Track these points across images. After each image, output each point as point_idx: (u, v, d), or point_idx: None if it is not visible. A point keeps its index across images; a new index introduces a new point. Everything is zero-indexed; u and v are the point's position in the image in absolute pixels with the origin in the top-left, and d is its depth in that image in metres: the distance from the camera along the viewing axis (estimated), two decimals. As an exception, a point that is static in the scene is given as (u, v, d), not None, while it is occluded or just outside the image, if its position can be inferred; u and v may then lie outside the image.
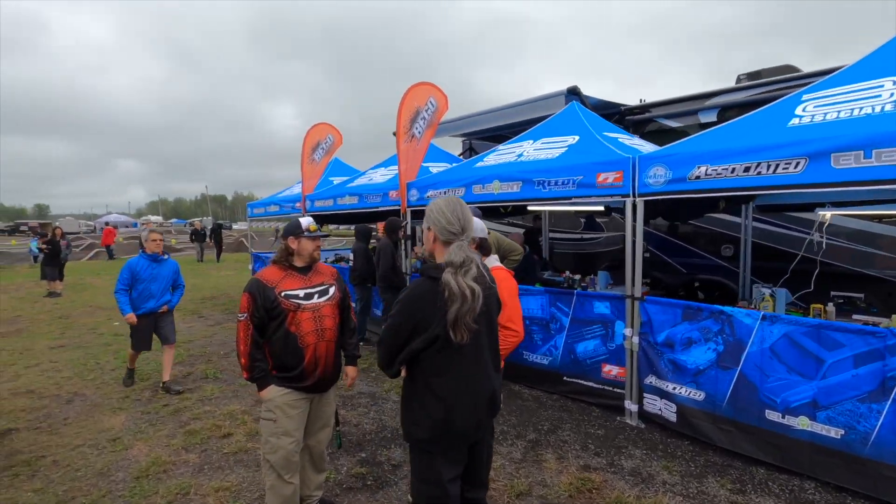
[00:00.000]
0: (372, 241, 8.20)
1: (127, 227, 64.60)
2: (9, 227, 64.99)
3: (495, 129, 9.47)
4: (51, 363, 6.03)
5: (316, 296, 2.69)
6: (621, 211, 7.84)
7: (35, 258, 21.97)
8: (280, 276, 2.66)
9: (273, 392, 2.58)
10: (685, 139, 4.03)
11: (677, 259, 7.41)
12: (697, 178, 3.56)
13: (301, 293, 2.65)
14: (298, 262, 2.73)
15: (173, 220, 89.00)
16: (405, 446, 3.70)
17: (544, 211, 8.78)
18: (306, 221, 2.72)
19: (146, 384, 5.23)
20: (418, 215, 6.64)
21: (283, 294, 2.59)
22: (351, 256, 7.00)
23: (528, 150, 5.34)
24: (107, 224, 42.78)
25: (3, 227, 66.93)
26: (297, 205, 8.70)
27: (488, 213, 9.54)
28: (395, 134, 10.41)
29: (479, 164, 5.65)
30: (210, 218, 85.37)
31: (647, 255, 7.52)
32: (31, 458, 3.61)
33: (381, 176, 7.48)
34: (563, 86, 9.92)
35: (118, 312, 9.63)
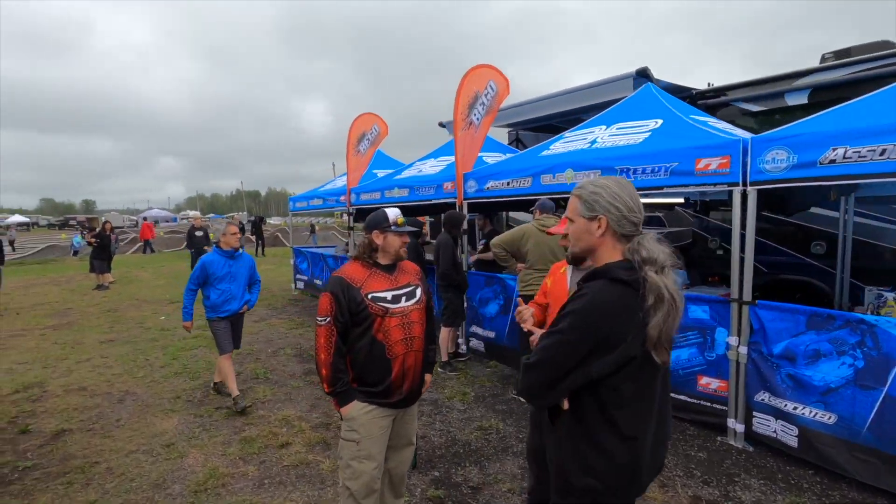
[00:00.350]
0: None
1: (167, 221, 66.67)
2: (59, 221, 68.49)
3: (546, 119, 8.95)
4: (101, 358, 5.93)
5: (403, 298, 2.32)
6: (692, 205, 7.39)
7: (76, 252, 22.67)
8: (364, 274, 2.29)
9: (356, 409, 2.22)
10: (806, 119, 3.47)
11: (756, 257, 6.75)
12: (832, 161, 3.01)
13: (388, 295, 2.28)
14: (383, 260, 2.36)
15: (211, 215, 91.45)
16: (482, 465, 3.31)
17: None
18: (393, 213, 2.35)
19: (196, 384, 5.02)
20: (475, 209, 6.24)
21: (369, 296, 2.22)
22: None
23: (602, 136, 4.85)
24: (145, 219, 44.07)
25: (54, 221, 70.60)
26: (342, 198, 8.44)
27: (520, 206, 9.14)
28: (442, 125, 10.10)
29: (546, 152, 5.19)
30: (245, 213, 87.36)
31: (720, 252, 6.91)
32: (84, 465, 3.40)
33: (431, 167, 7.10)
34: (596, 77, 9.22)
35: (163, 306, 9.75)
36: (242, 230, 19.68)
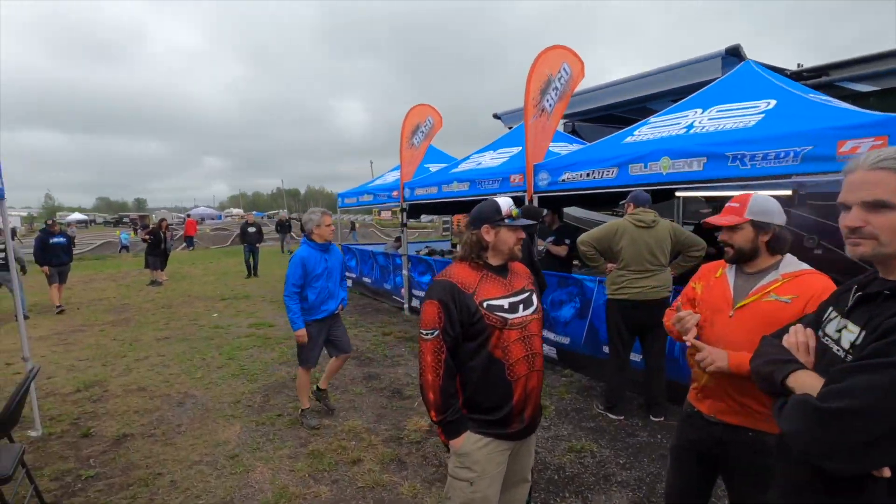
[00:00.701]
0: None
1: (212, 219, 69.03)
2: (114, 218, 72.38)
3: (608, 108, 8.37)
4: (158, 357, 5.82)
5: (521, 307, 1.91)
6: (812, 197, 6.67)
7: (123, 248, 23.44)
8: (475, 278, 1.90)
9: (470, 442, 1.83)
10: None
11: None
12: None
13: (504, 303, 1.88)
14: (494, 260, 1.96)
15: (254, 213, 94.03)
16: (584, 496, 2.87)
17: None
18: (506, 204, 1.94)
19: (254, 387, 4.78)
20: (545, 203, 5.76)
21: (484, 304, 1.83)
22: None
23: (699, 119, 4.29)
24: (188, 216, 45.42)
25: (109, 219, 74.62)
26: (394, 193, 8.13)
27: (588, 201, 8.38)
28: (497, 116, 9.66)
29: (631, 139, 4.67)
30: (285, 210, 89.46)
31: (819, 251, 6.17)
32: (148, 476, 3.17)
33: (491, 160, 6.67)
34: (640, 69, 8.44)
35: (215, 303, 9.74)
36: (289, 227, 19.43)
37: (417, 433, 3.72)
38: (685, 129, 4.24)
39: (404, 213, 7.95)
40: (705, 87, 4.89)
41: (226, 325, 7.45)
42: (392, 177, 9.30)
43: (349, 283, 10.52)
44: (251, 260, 12.79)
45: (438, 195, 6.94)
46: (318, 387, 4.18)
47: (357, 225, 31.13)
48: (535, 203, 5.34)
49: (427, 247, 10.45)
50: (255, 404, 4.36)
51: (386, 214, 56.19)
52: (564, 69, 5.45)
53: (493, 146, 7.19)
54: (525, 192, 5.39)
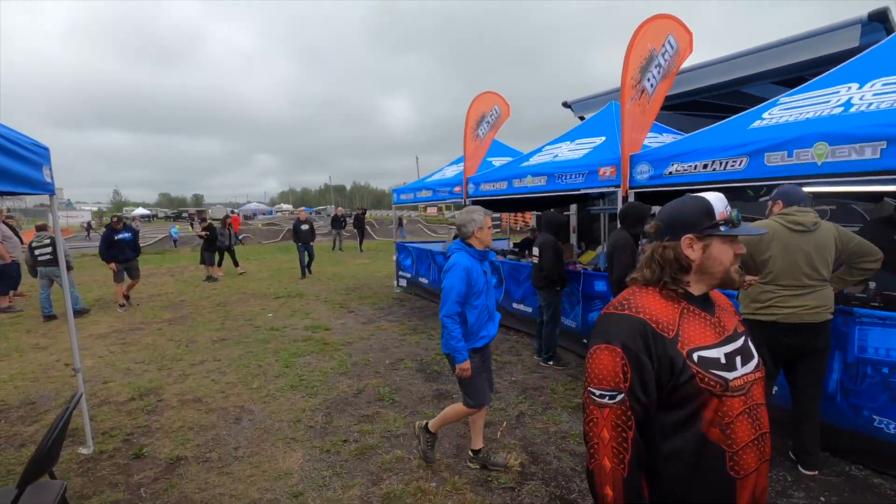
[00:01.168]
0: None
1: (263, 214, 71.33)
2: (173, 213, 76.46)
3: (690, 94, 7.42)
4: (214, 361, 5.52)
5: (739, 360, 1.25)
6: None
7: (175, 242, 24.05)
8: (674, 314, 1.25)
9: (672, 573, 1.20)
10: None
11: None
12: None
13: (720, 355, 1.23)
14: (697, 288, 1.31)
15: (303, 208, 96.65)
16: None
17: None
18: (720, 204, 1.28)
19: (315, 402, 4.33)
20: (644, 198, 4.98)
21: (695, 357, 1.19)
22: (535, 252, 5.61)
23: (859, 96, 3.43)
24: (233, 212, 46.46)
25: (170, 213, 78.87)
26: (457, 189, 7.55)
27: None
28: (567, 105, 8.89)
29: (759, 123, 3.85)
30: (331, 206, 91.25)
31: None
32: (202, 516, 2.74)
33: (570, 151, 5.95)
34: (705, 57, 7.17)
35: (269, 301, 9.55)
36: (343, 223, 19.13)
37: (509, 476, 3.12)
38: (843, 108, 3.39)
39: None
40: (853, 59, 3.98)
41: (281, 326, 7.13)
42: (452, 171, 8.74)
43: (404, 282, 10.06)
44: (306, 259, 12.24)
45: (508, 191, 6.30)
46: (473, 451, 3.27)
47: (405, 220, 30.87)
48: (631, 199, 4.60)
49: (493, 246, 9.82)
50: (317, 425, 3.89)
51: (432, 210, 55.97)
52: (669, 42, 4.65)
53: (569, 136, 6.46)
54: (618, 186, 4.66)
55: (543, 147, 6.72)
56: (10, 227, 9.08)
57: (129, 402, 4.41)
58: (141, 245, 15.05)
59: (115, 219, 9.01)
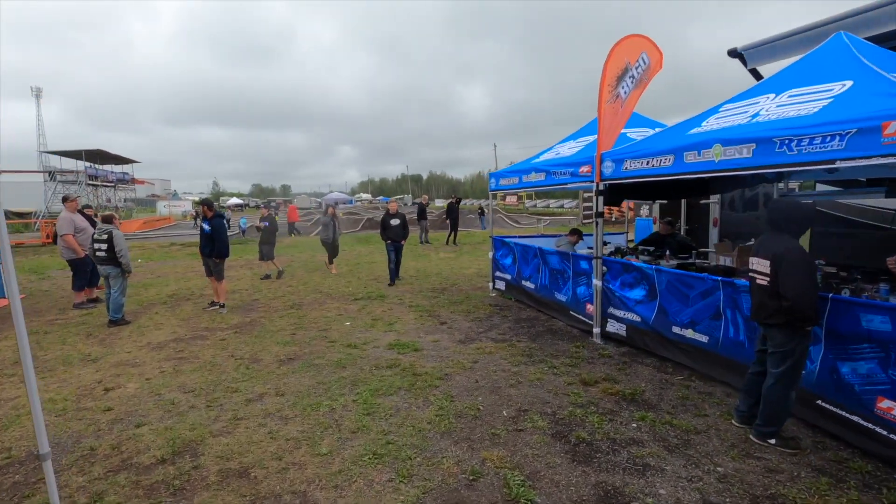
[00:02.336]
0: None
1: (344, 203, 73.17)
2: (263, 203, 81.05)
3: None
4: (276, 396, 4.21)
5: None
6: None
7: (243, 232, 23.07)
8: None
9: None
10: None
11: None
12: None
13: None
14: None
15: (380, 198, 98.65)
16: None
17: None
18: None
19: (410, 495, 2.80)
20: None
21: None
22: (760, 267, 3.61)
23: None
24: (291, 202, 46.51)
25: (260, 203, 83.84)
26: (583, 170, 5.68)
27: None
28: (731, 54, 6.62)
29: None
30: (409, 196, 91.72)
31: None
32: None
33: (775, 106, 3.86)
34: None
35: (347, 304, 8.29)
36: (424, 214, 17.17)
37: None
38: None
39: (600, 199, 5.47)
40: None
41: (361, 342, 5.77)
42: (569, 149, 6.86)
43: (502, 285, 8.38)
44: (395, 261, 9.64)
45: (674, 169, 4.32)
46: None
47: (485, 210, 29.12)
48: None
49: (612, 244, 7.83)
50: (415, 553, 2.34)
51: (511, 199, 53.41)
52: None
53: (752, 93, 4.34)
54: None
55: (721, 106, 4.65)
56: (88, 216, 8.60)
57: (156, 465, 3.15)
58: (233, 234, 14.38)
59: (203, 206, 7.87)
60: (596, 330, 5.66)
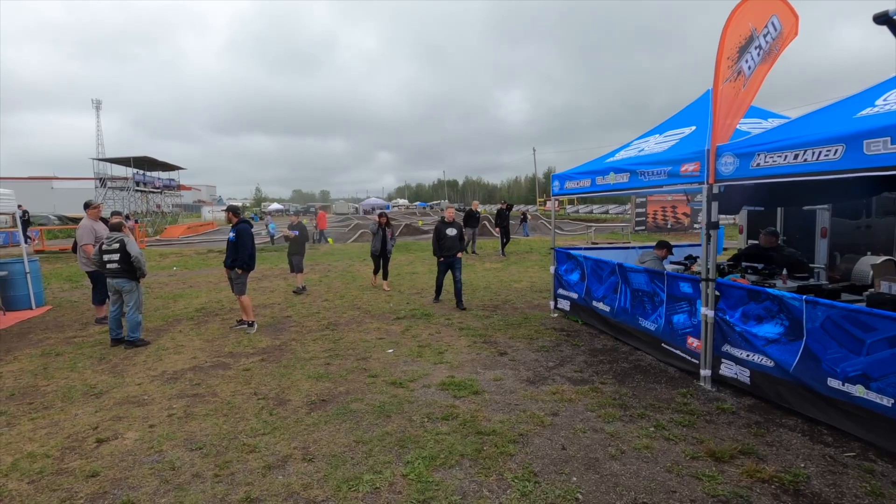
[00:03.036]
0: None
1: (382, 209, 73.27)
2: (303, 208, 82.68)
3: None
4: (303, 461, 3.25)
5: None
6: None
7: (272, 239, 21.77)
8: None
9: None
10: None
11: None
12: None
13: None
14: None
15: (417, 203, 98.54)
16: None
17: None
18: None
19: None
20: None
21: None
22: None
23: None
24: (320, 208, 45.26)
25: (300, 208, 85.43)
26: (686, 168, 4.47)
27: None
28: (879, 19, 5.27)
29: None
30: (445, 201, 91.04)
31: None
32: None
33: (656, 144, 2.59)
34: None
35: (389, 324, 6.95)
36: (477, 220, 15.33)
37: None
38: None
39: (714, 205, 4.26)
40: None
41: (407, 378, 4.77)
42: (655, 144, 5.66)
43: (566, 305, 7.23)
44: (457, 279, 7.99)
45: (843, 164, 3.11)
46: None
47: (530, 216, 27.76)
48: None
49: (691, 258, 6.54)
50: None
51: (550, 204, 51.64)
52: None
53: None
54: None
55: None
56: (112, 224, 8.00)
57: (131, 585, 2.22)
58: (262, 242, 13.71)
59: (228, 213, 6.99)
60: (705, 372, 4.44)
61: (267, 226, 23.59)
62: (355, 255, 16.43)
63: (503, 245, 15.92)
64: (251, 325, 6.79)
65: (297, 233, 9.57)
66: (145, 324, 6.82)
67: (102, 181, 33.60)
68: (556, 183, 7.15)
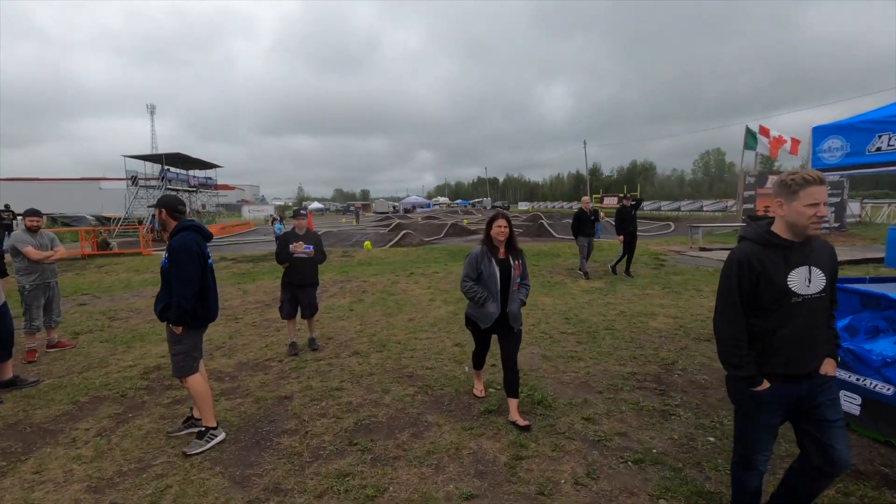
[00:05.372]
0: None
1: (422, 207, 70.36)
2: (343, 207, 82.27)
3: None
4: None
5: None
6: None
7: (278, 238, 18.85)
8: None
9: None
10: None
11: None
12: None
13: None
14: None
15: (458, 201, 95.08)
16: None
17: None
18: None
19: None
20: None
21: None
22: None
23: None
24: (369, 205, 41.55)
25: (340, 207, 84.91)
26: None
27: None
28: None
29: None
30: (488, 199, 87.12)
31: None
32: None
33: None
34: None
35: (444, 341, 3.27)
36: (592, 225, 9.28)
37: None
38: None
39: None
40: None
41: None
42: None
43: (856, 404, 3.42)
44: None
45: None
46: None
47: (602, 213, 23.55)
48: None
49: None
50: None
51: (605, 199, 46.92)
52: None
53: None
54: None
55: None
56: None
57: None
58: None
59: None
60: None
61: (273, 225, 19.18)
62: (399, 265, 13.00)
63: (624, 259, 10.27)
64: (209, 432, 3.43)
65: (310, 248, 5.68)
66: (51, 395, 3.62)
67: (134, 179, 31.93)
68: (815, 140, 3.39)
